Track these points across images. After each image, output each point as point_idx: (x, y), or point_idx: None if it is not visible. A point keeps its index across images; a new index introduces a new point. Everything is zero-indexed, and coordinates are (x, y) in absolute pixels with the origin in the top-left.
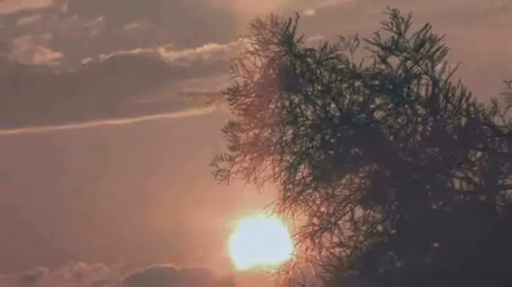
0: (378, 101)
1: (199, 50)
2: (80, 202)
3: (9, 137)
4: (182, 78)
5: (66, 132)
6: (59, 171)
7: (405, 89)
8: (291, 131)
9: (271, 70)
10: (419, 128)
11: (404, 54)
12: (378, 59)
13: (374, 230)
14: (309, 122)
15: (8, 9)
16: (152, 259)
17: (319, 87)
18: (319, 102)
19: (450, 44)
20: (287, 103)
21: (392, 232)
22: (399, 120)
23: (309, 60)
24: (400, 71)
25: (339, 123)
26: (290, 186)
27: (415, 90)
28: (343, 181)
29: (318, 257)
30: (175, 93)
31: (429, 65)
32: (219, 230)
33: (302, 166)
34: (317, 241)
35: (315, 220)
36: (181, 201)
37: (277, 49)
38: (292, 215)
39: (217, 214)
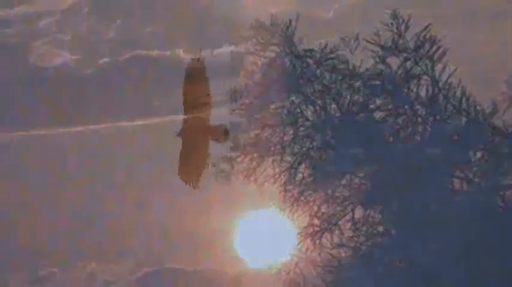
0: (378, 101)
1: (217, 51)
2: (89, 202)
3: (24, 138)
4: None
5: (80, 134)
6: (69, 172)
7: (405, 90)
8: (291, 132)
9: (272, 71)
10: (419, 129)
11: (405, 54)
12: (377, 60)
13: (374, 231)
14: (309, 122)
15: (27, 11)
16: (161, 260)
17: (319, 88)
18: (319, 102)
19: (451, 45)
20: (287, 104)
21: (393, 232)
22: (399, 120)
23: (309, 60)
24: (400, 71)
25: (339, 123)
26: (290, 187)
27: (415, 90)
28: (344, 181)
29: (319, 258)
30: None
31: (429, 66)
32: (227, 231)
33: (302, 167)
34: (318, 241)
35: (316, 221)
36: (190, 201)
37: (278, 50)
38: (293, 216)
39: (224, 214)
